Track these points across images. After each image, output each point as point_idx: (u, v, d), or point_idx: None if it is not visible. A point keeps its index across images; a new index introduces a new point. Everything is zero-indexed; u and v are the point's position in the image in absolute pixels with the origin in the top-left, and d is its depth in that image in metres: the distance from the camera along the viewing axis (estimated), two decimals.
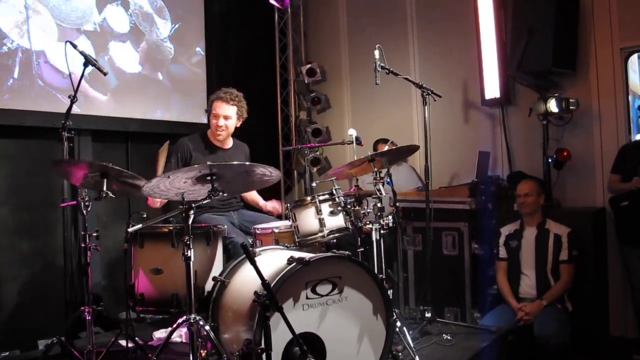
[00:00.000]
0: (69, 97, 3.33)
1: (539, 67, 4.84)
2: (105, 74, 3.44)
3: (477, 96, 5.48)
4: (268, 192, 4.28)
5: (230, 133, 4.23)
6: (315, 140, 6.38)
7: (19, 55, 4.26)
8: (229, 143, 4.32)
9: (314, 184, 4.20)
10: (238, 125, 4.25)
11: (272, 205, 4.38)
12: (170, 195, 2.99)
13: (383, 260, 3.49)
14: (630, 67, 5.04)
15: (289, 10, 6.62)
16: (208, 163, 2.78)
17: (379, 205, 3.50)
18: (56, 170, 3.42)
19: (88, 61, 3.34)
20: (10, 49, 4.20)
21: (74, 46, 3.36)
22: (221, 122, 4.11)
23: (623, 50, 4.88)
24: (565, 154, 4.87)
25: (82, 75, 3.39)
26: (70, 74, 3.34)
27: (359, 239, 3.47)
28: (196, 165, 2.83)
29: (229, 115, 4.12)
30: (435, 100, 4.00)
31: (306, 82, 6.52)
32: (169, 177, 2.76)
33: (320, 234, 3.32)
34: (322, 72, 6.56)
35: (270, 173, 3.02)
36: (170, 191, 2.91)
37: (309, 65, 6.49)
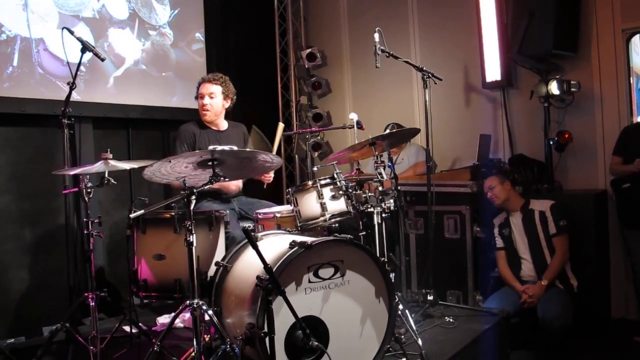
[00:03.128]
0: (68, 84, 3.32)
1: (540, 49, 4.82)
2: (103, 60, 3.43)
3: (478, 79, 5.46)
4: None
5: (217, 113, 4.26)
6: (316, 124, 6.37)
7: (18, 42, 4.24)
8: (224, 125, 4.36)
9: (315, 169, 4.19)
10: (227, 106, 4.30)
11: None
12: (171, 180, 3.00)
13: (385, 243, 3.49)
14: (633, 48, 5.00)
15: None
16: (209, 148, 2.77)
17: (380, 189, 3.50)
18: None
19: (85, 47, 3.32)
20: (9, 36, 4.19)
21: (71, 32, 3.34)
22: (206, 100, 4.19)
23: (625, 32, 4.85)
24: (566, 136, 4.86)
25: (80, 62, 3.38)
26: (68, 61, 3.33)
27: (360, 222, 3.47)
28: (197, 151, 2.83)
29: (213, 92, 4.19)
30: (436, 84, 3.98)
31: (306, 66, 6.50)
32: (169, 161, 2.76)
33: (322, 218, 3.31)
34: (322, 57, 6.53)
35: (271, 159, 3.02)
36: (171, 175, 2.92)
37: (309, 50, 6.47)
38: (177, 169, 2.86)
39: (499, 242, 4.41)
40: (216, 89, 4.21)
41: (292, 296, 2.61)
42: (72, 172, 3.30)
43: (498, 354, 3.72)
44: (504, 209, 4.43)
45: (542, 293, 4.03)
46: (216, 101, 4.21)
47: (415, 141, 5.53)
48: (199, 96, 4.24)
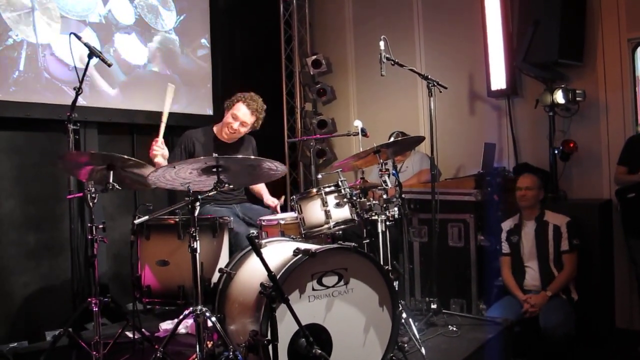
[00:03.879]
0: (74, 89, 3.33)
1: (546, 58, 4.82)
2: (109, 66, 3.43)
3: (483, 87, 5.46)
4: (274, 183, 4.27)
5: (237, 137, 4.24)
6: (321, 131, 6.37)
7: (25, 47, 4.25)
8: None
9: (319, 176, 4.18)
10: (245, 132, 4.26)
11: (273, 200, 4.33)
12: (176, 186, 3.00)
13: (389, 251, 3.48)
14: (638, 58, 5.00)
15: (294, 1, 6.61)
16: (214, 155, 2.77)
17: (384, 197, 3.49)
18: (62, 165, 3.42)
19: (92, 53, 3.33)
20: (15, 41, 4.20)
21: (79, 38, 3.35)
22: (236, 125, 4.12)
23: (631, 41, 4.84)
24: (571, 145, 4.85)
25: (87, 67, 3.38)
26: (75, 66, 3.34)
27: (364, 230, 3.46)
28: (202, 157, 2.83)
29: (247, 122, 4.14)
30: (441, 92, 3.98)
31: (312, 73, 6.51)
32: (174, 167, 2.76)
33: (326, 226, 3.32)
34: (327, 64, 6.54)
35: (276, 167, 3.02)
36: (176, 181, 2.92)
37: (314, 57, 6.48)
38: (182, 175, 2.87)
39: (505, 248, 4.39)
40: (251, 121, 4.15)
41: (296, 304, 2.61)
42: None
43: None
44: (518, 212, 4.40)
45: (545, 303, 4.02)
46: (244, 130, 4.17)
47: (419, 149, 5.53)
48: (231, 114, 4.12)
